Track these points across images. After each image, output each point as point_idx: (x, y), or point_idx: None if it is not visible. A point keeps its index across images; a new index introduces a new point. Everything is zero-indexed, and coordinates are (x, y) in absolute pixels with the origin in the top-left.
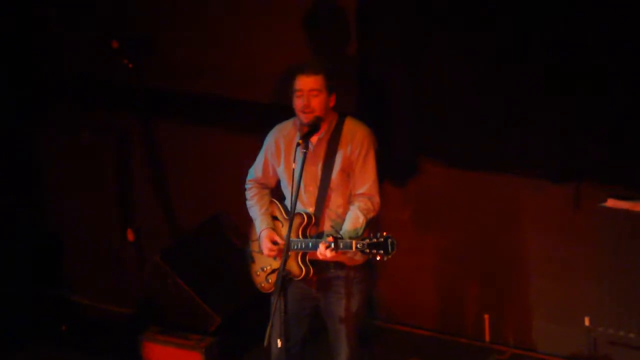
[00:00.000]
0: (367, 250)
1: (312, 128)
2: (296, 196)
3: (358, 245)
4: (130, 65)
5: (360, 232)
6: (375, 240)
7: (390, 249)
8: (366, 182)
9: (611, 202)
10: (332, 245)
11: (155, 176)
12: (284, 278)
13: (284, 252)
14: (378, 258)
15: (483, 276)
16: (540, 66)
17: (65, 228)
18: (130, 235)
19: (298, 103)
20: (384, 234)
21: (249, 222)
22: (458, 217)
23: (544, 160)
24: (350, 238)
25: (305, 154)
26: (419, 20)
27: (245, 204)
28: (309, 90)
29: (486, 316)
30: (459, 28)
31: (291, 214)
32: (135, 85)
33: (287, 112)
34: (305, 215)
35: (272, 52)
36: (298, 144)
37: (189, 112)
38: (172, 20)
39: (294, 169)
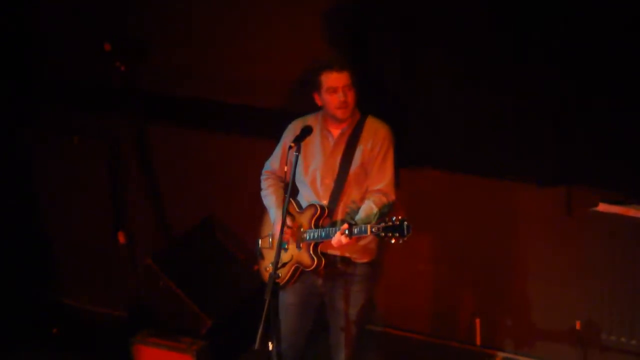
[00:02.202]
0: (383, 234)
1: (306, 131)
2: (288, 198)
3: (373, 229)
4: (123, 68)
5: (373, 220)
6: (390, 223)
7: (406, 232)
8: (383, 179)
9: (603, 207)
10: (347, 232)
11: (148, 179)
12: (276, 280)
13: (275, 256)
14: (393, 241)
15: (475, 280)
16: (534, 70)
17: (57, 230)
18: (122, 238)
19: (333, 99)
20: (399, 217)
21: (247, 225)
22: (450, 221)
23: (536, 164)
24: (362, 221)
25: (297, 157)
26: (415, 22)
27: (238, 207)
28: (343, 86)
29: (477, 320)
30: (455, 30)
31: (283, 217)
32: (128, 88)
33: (282, 116)
34: (318, 207)
35: (267, 56)
36: (290, 147)
37: (182, 115)
38: (166, 22)
39: (286, 172)
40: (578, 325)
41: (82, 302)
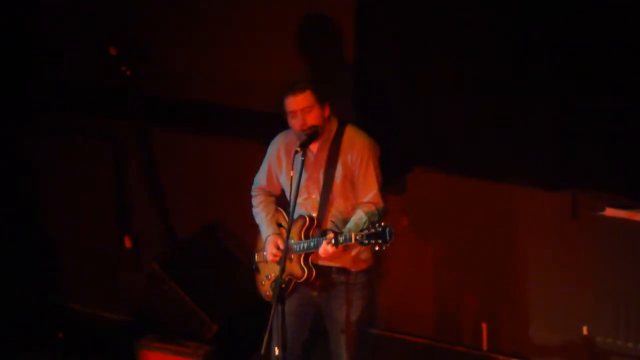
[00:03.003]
0: (366, 241)
1: (311, 137)
2: (294, 204)
3: (357, 237)
4: (128, 73)
5: (361, 228)
6: (373, 230)
7: (388, 237)
8: (370, 190)
9: (609, 211)
10: (333, 241)
11: (153, 183)
12: (282, 286)
13: (282, 261)
14: (377, 248)
15: (481, 285)
16: (537, 72)
17: (62, 235)
18: (128, 243)
19: (295, 123)
20: (382, 223)
21: (251, 230)
22: (455, 226)
23: (542, 168)
24: (350, 231)
25: (303, 162)
26: (415, 27)
27: (242, 211)
28: (301, 110)
29: (484, 325)
30: (455, 34)
31: (289, 224)
32: (132, 92)
33: (285, 120)
34: (307, 218)
35: (270, 60)
36: (296, 152)
37: (187, 120)
38: (170, 27)
39: (292, 177)
40: (585, 331)
41: (88, 306)
